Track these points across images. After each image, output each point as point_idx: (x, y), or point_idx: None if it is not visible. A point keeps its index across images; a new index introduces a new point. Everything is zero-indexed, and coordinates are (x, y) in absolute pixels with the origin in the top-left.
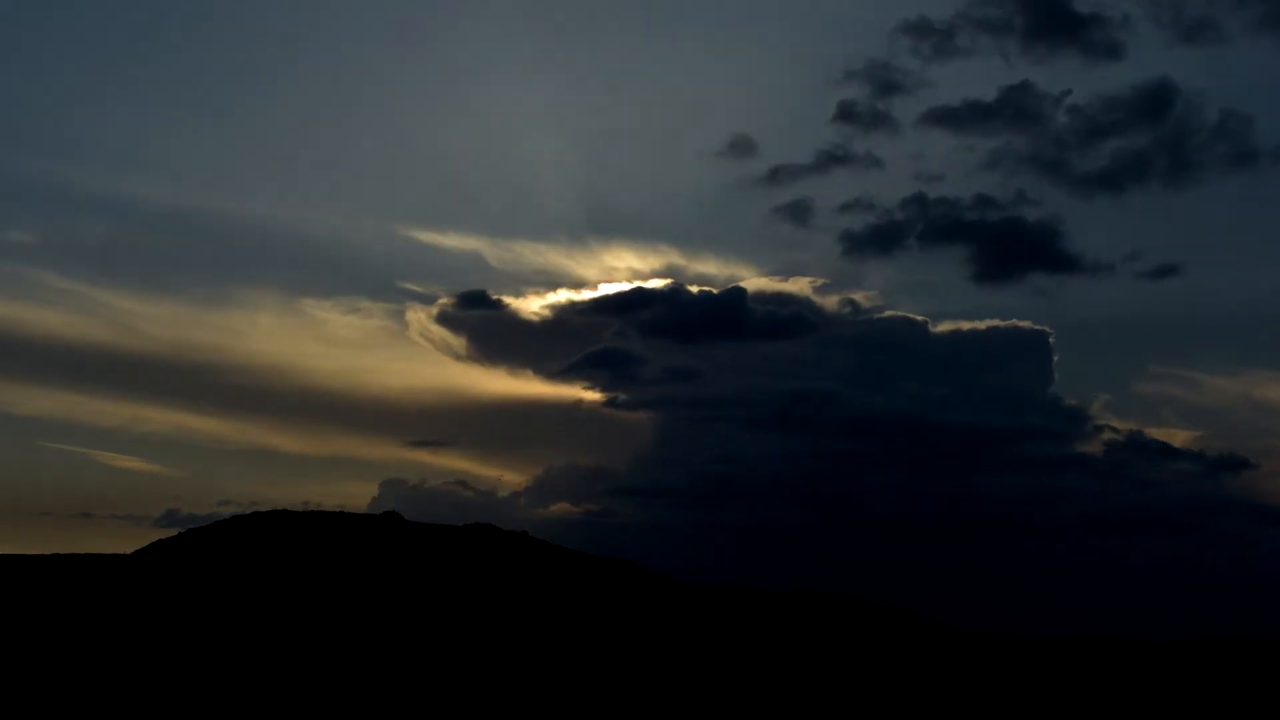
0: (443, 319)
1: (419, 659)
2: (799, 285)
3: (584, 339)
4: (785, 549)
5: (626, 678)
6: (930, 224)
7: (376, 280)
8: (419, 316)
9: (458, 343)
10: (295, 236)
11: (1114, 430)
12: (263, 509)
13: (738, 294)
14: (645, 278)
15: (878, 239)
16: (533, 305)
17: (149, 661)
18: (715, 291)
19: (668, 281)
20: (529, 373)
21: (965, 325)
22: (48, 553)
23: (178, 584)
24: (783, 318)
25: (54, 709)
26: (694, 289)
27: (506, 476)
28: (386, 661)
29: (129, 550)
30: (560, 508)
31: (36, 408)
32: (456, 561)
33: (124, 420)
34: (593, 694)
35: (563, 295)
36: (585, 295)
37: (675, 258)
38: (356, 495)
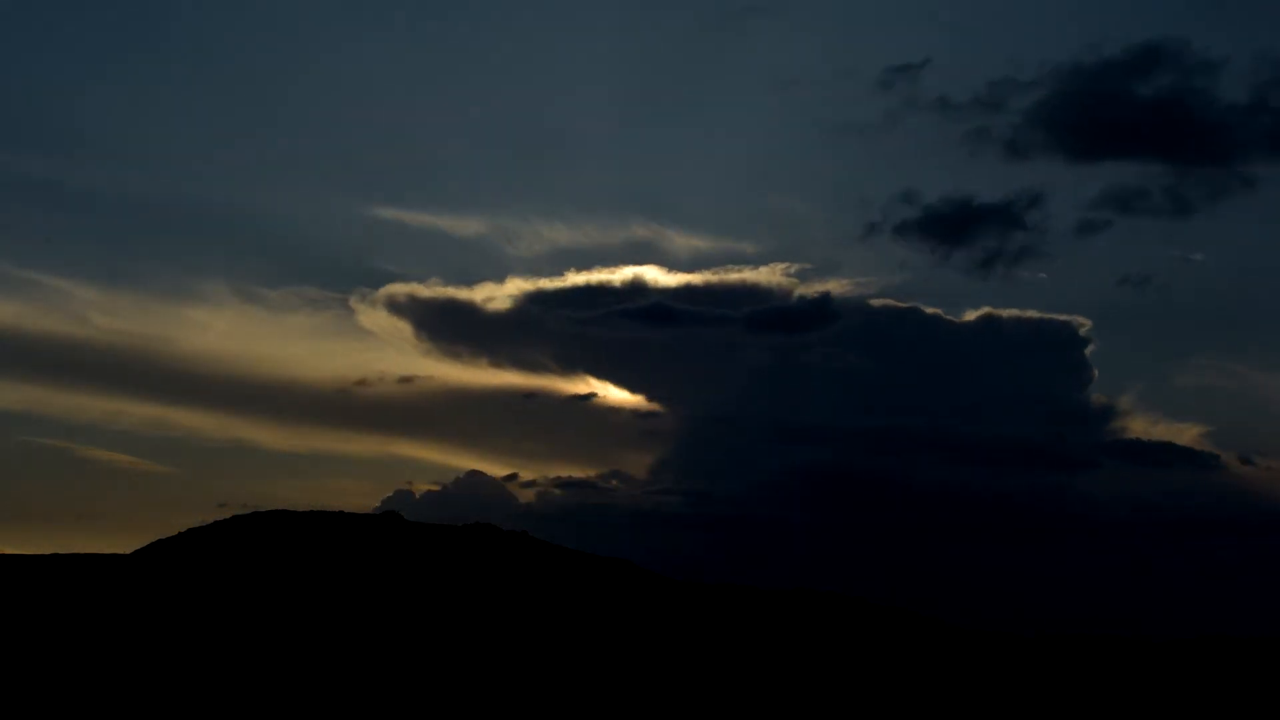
0: (416, 308)
1: (419, 659)
2: (773, 273)
3: (552, 328)
4: (789, 548)
5: (626, 678)
6: (926, 205)
7: (340, 269)
8: (380, 306)
9: (419, 331)
10: (253, 224)
11: (1147, 427)
12: (262, 509)
13: (716, 282)
14: (610, 262)
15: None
16: (498, 293)
17: (149, 661)
18: (693, 280)
19: (637, 269)
20: (506, 364)
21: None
22: (47, 553)
23: (178, 584)
24: (774, 308)
25: (54, 709)
26: (670, 278)
27: (497, 470)
28: (386, 661)
29: (128, 549)
30: (560, 502)
31: (7, 400)
32: (456, 561)
33: (99, 415)
34: (592, 694)
35: (526, 283)
36: (550, 283)
37: (636, 234)
38: (347, 491)
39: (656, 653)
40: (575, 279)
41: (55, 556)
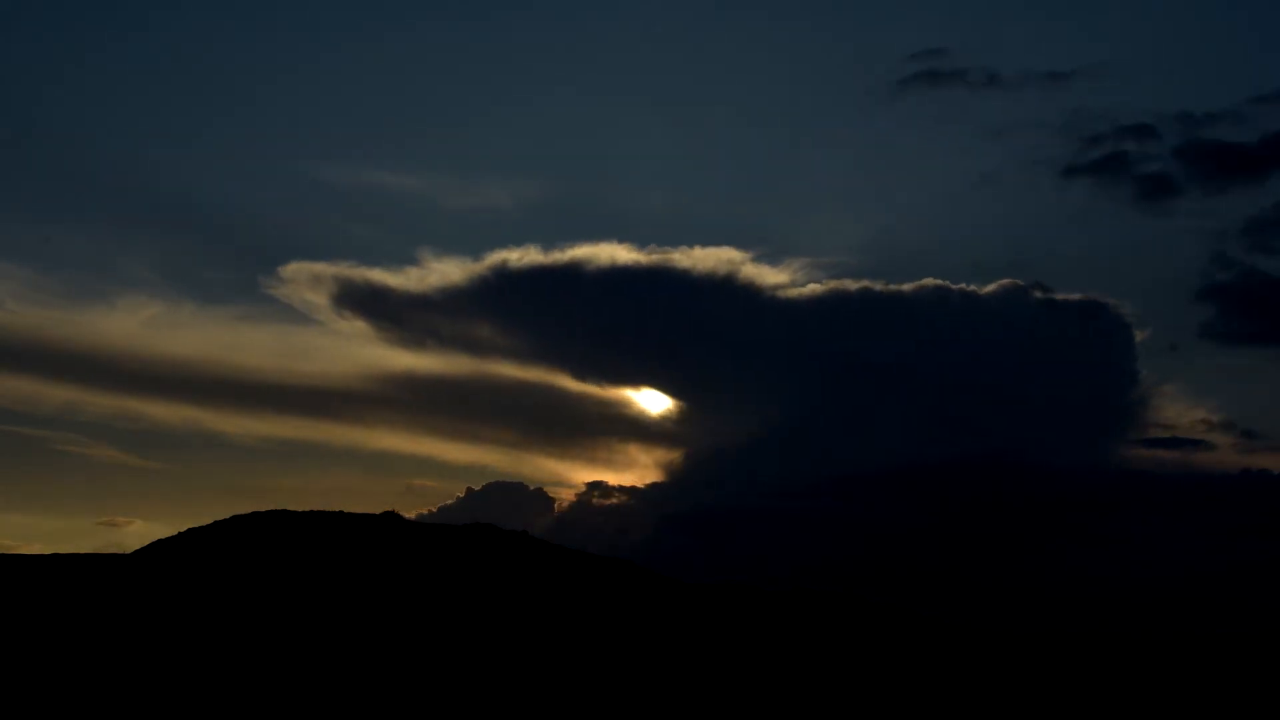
0: (349, 290)
1: (419, 659)
2: (728, 258)
3: (507, 306)
4: (792, 547)
5: (626, 678)
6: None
7: (271, 247)
8: (312, 288)
9: (368, 320)
10: (186, 201)
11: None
12: (260, 509)
13: (679, 259)
14: (569, 237)
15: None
16: (441, 273)
17: (149, 661)
18: (658, 258)
19: (596, 246)
20: (456, 348)
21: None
22: (47, 553)
23: (178, 584)
24: (762, 299)
25: (54, 709)
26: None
27: (481, 458)
28: (387, 661)
29: (128, 549)
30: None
31: None
32: (456, 561)
33: (61, 405)
34: (593, 694)
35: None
36: (501, 257)
37: (598, 205)
38: (341, 488)
39: (657, 652)
40: (529, 254)
41: (55, 556)
